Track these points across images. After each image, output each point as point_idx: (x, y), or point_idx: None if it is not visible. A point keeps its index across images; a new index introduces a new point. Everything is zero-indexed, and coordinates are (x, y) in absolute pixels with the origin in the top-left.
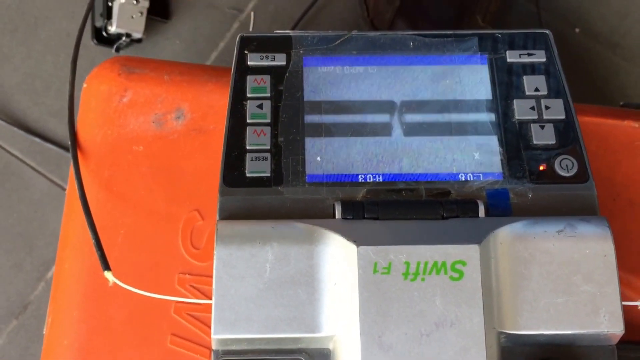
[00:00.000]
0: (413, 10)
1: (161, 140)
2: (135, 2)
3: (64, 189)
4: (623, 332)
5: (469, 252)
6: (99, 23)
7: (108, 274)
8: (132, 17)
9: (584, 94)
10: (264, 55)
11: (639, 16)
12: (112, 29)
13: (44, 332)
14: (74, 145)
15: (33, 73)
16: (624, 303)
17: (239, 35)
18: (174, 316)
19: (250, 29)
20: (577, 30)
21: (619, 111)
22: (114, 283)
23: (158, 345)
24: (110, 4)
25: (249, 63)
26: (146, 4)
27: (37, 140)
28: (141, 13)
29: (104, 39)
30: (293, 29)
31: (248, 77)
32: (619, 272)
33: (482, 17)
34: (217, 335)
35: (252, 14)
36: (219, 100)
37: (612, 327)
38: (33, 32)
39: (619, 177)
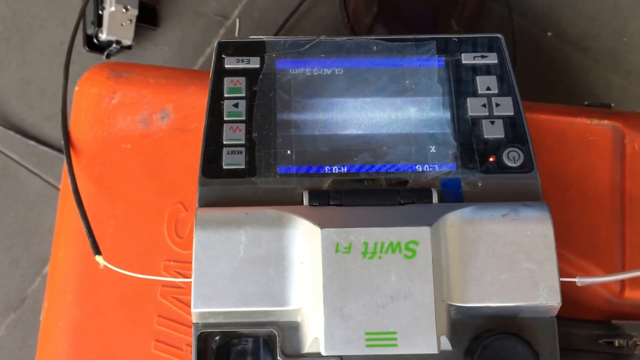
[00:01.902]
0: (390, 16)
1: (147, 139)
2: (124, 10)
3: (59, 189)
4: (560, 304)
5: (421, 233)
6: (90, 31)
7: (99, 258)
8: (122, 24)
9: (555, 93)
10: (240, 58)
11: (607, 20)
12: (103, 36)
13: (41, 319)
14: (67, 144)
15: (28, 79)
16: (562, 279)
17: (217, 41)
18: (160, 299)
19: (236, 35)
20: (549, 33)
21: (573, 109)
22: (105, 268)
23: (146, 326)
24: (101, 12)
25: (226, 66)
26: (135, 12)
27: (33, 143)
28: (130, 21)
29: (95, 46)
30: (276, 34)
31: (225, 78)
32: (557, 251)
33: (456, 22)
34: (197, 309)
35: (237, 20)
36: (201, 101)
37: (550, 299)
38: (28, 40)
39: (572, 170)
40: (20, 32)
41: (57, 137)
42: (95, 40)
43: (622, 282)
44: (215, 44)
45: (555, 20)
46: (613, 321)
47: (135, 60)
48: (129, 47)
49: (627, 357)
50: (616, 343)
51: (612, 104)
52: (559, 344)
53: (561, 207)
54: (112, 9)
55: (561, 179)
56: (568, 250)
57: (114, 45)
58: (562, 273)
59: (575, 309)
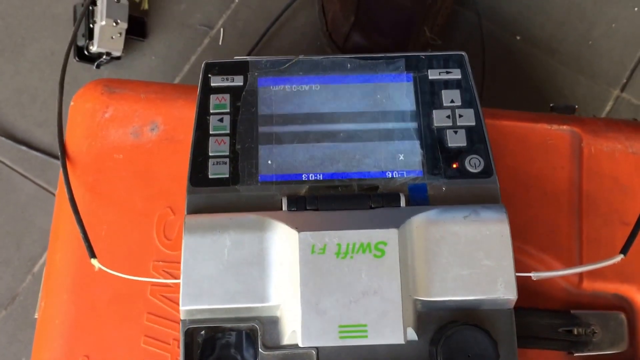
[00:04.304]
0: (367, 24)
1: (138, 149)
2: (114, 24)
3: (49, 192)
4: (516, 297)
5: (389, 235)
6: (81, 42)
7: (94, 261)
8: (112, 37)
9: (524, 94)
10: (225, 77)
11: (574, 24)
12: (94, 48)
13: (36, 317)
14: (63, 155)
15: (20, 88)
16: (518, 274)
17: (204, 62)
18: (149, 298)
19: (220, 44)
20: (518, 37)
21: (535, 115)
22: (99, 269)
23: (136, 322)
24: (91, 25)
25: (212, 84)
26: (125, 26)
27: (24, 148)
28: (120, 34)
29: (86, 57)
30: (258, 43)
31: (211, 96)
32: (520, 246)
33: (429, 29)
34: (185, 307)
35: (221, 30)
36: (188, 114)
37: (507, 293)
38: (20, 51)
39: (533, 171)
40: (13, 44)
41: (48, 142)
42: (85, 52)
43: (580, 274)
44: (202, 65)
45: (524, 25)
46: (572, 311)
47: (124, 70)
48: (118, 58)
49: (585, 344)
50: (575, 331)
51: (576, 106)
52: (522, 333)
53: (523, 205)
54: (103, 23)
55: (523, 180)
56: (530, 246)
57: (104, 57)
58: (524, 266)
59: (536, 299)
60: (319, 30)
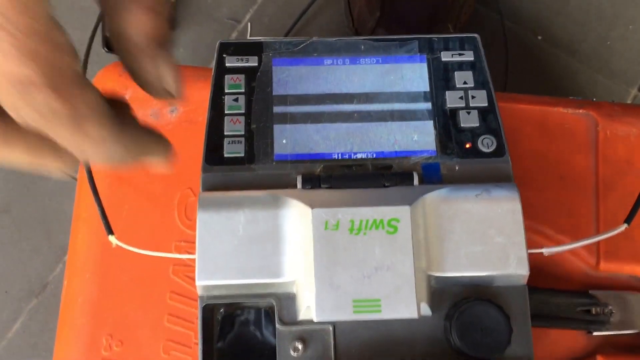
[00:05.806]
0: (391, 20)
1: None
2: None
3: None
4: (528, 272)
5: (402, 212)
6: (108, 33)
7: (112, 238)
8: None
9: (544, 92)
10: (240, 57)
11: (594, 25)
12: None
13: (62, 296)
14: None
15: None
16: (530, 251)
17: (218, 42)
18: (172, 277)
19: (248, 38)
20: (539, 37)
21: (552, 99)
22: (120, 249)
23: (159, 301)
24: None
25: (226, 65)
26: None
27: None
28: None
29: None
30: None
31: (226, 76)
32: (537, 227)
33: (453, 26)
34: (200, 282)
35: (248, 24)
36: (207, 96)
37: (519, 269)
38: None
39: (551, 155)
40: None
41: None
42: None
43: (597, 255)
44: (217, 45)
45: (545, 26)
46: (590, 291)
47: None
48: None
49: (602, 323)
50: (592, 311)
51: (594, 99)
52: (541, 313)
53: (541, 188)
54: None
55: (540, 163)
56: (547, 227)
57: None
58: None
59: (555, 281)
60: (344, 26)
